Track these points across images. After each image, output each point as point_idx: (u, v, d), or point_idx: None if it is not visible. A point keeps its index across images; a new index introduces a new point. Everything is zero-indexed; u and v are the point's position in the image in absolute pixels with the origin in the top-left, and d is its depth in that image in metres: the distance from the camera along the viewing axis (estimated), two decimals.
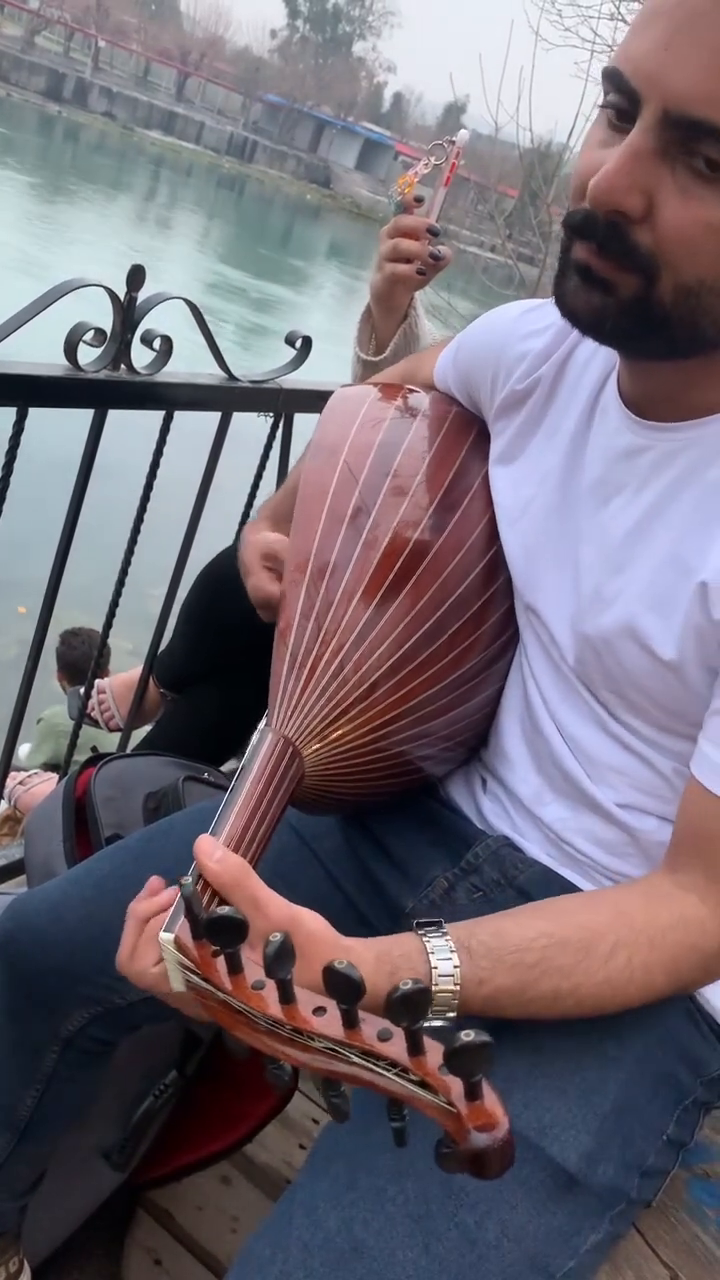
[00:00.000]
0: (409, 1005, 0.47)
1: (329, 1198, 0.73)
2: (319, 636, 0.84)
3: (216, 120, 56.31)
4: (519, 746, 0.91)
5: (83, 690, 1.94)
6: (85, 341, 1.26)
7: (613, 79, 0.67)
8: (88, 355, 1.30)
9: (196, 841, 0.67)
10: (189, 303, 1.41)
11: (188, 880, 0.60)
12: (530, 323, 0.94)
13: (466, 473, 0.95)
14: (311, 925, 0.66)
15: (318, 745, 0.81)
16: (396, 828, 0.95)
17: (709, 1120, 0.90)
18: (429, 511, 0.91)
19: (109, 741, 2.36)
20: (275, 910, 0.65)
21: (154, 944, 0.69)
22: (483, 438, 0.99)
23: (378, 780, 0.87)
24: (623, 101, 0.67)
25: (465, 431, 0.99)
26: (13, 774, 2.44)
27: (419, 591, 0.87)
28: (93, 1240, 1.24)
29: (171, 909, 0.65)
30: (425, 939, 0.70)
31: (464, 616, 0.89)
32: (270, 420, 1.71)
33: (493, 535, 0.93)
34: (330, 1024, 0.53)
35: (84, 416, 1.40)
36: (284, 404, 1.65)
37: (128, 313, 1.30)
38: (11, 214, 17.70)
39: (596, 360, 0.88)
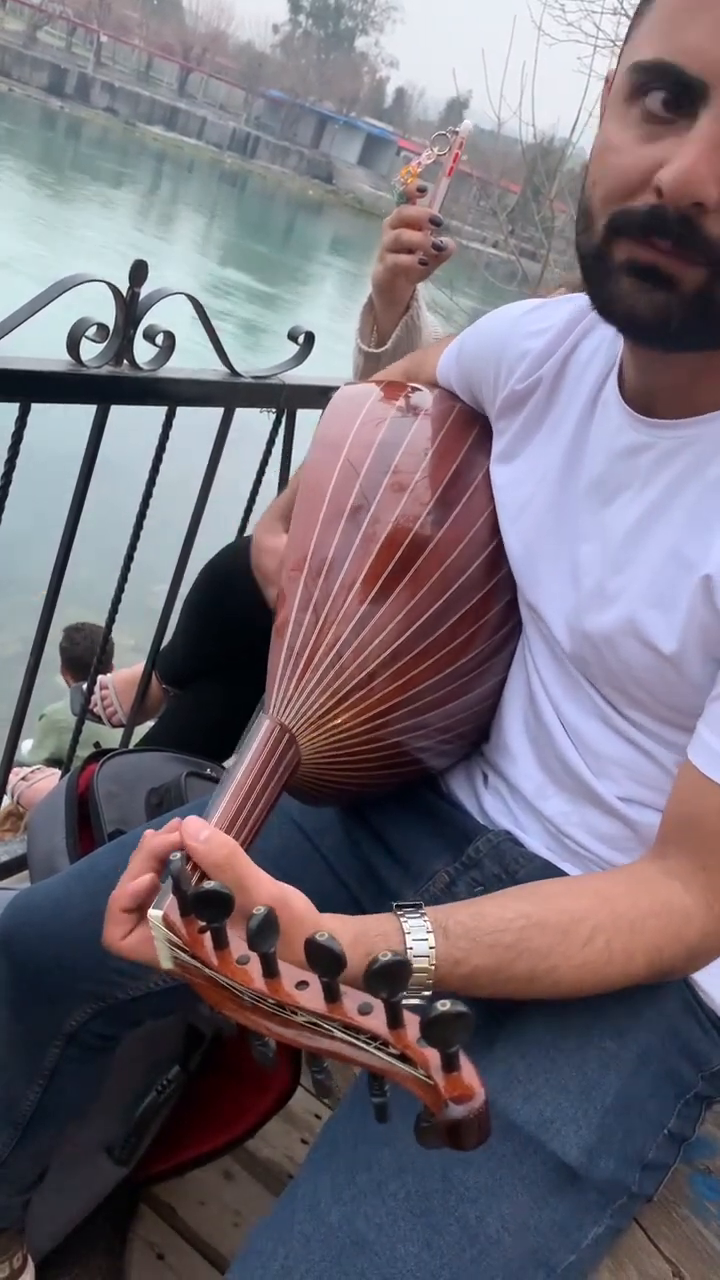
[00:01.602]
0: (387, 976, 0.48)
1: (331, 1192, 0.73)
2: (317, 627, 0.84)
3: (218, 116, 56.24)
4: (521, 740, 0.91)
5: (85, 686, 1.94)
6: (88, 337, 1.26)
7: (663, 71, 0.66)
8: (90, 351, 1.30)
9: (185, 821, 0.67)
10: (192, 298, 1.41)
11: (177, 857, 0.60)
12: (532, 322, 0.94)
13: (469, 468, 0.95)
14: (296, 905, 0.66)
15: (314, 733, 0.82)
16: (398, 822, 0.95)
17: (710, 1115, 0.90)
18: (429, 506, 0.91)
19: (111, 737, 2.37)
20: (262, 889, 0.65)
21: (121, 918, 0.69)
22: (485, 435, 0.99)
23: (376, 770, 0.88)
24: (676, 93, 0.66)
25: (467, 429, 0.99)
26: (15, 770, 2.45)
27: (418, 583, 0.87)
28: (96, 1235, 1.24)
29: (161, 886, 0.65)
30: (402, 919, 0.70)
31: (464, 608, 0.89)
32: (273, 416, 1.71)
33: (495, 529, 0.93)
34: (312, 998, 0.53)
35: (87, 412, 1.40)
36: (287, 400, 1.65)
37: (130, 308, 1.30)
38: (13, 211, 17.69)
39: (597, 359, 0.88)
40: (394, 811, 0.95)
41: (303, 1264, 0.70)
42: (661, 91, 0.66)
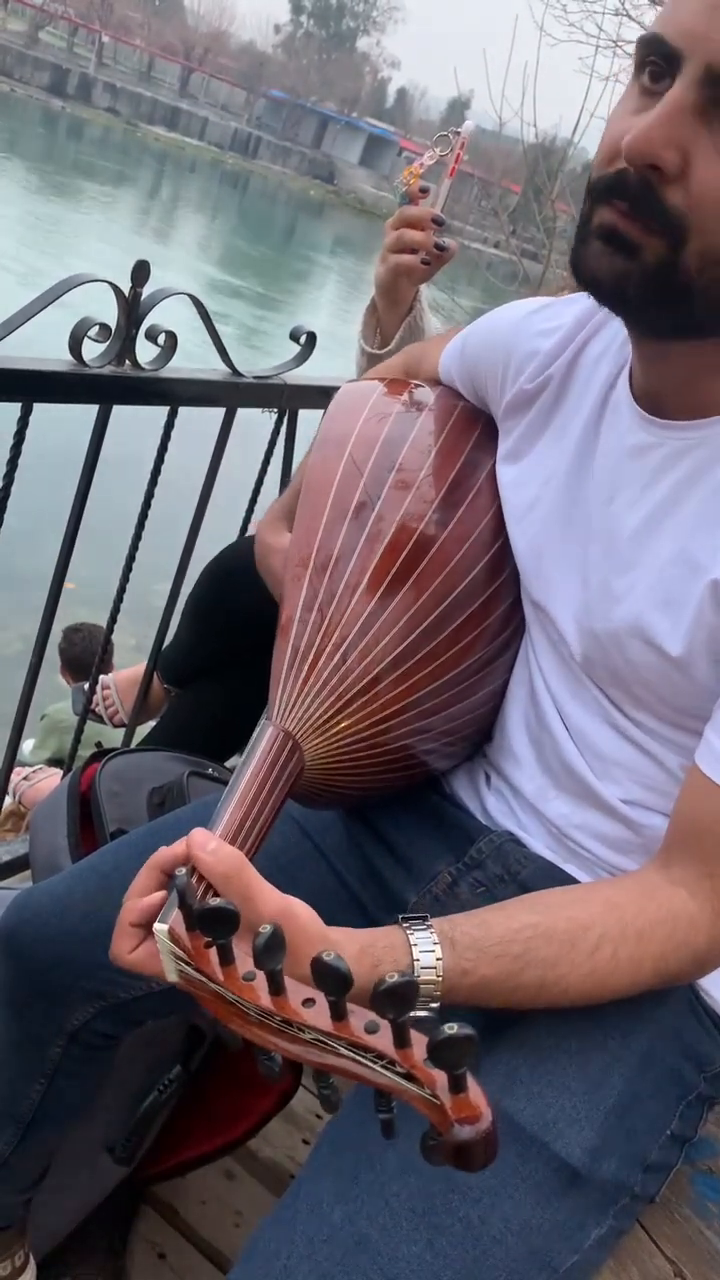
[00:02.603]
0: (395, 998, 0.48)
1: (333, 1192, 0.73)
2: (320, 630, 0.84)
3: (220, 116, 56.25)
4: (524, 742, 0.91)
5: (87, 686, 1.94)
6: (90, 337, 1.26)
7: (651, 43, 0.68)
8: (92, 351, 1.30)
9: (190, 834, 0.67)
10: (193, 298, 1.41)
11: (182, 871, 0.60)
12: (539, 322, 0.94)
13: (472, 467, 0.95)
14: (302, 918, 0.66)
15: (318, 739, 0.81)
16: (400, 823, 0.95)
17: (713, 1115, 0.90)
18: (433, 506, 0.90)
19: (113, 737, 2.37)
20: (268, 902, 0.65)
21: (129, 932, 0.69)
22: (488, 432, 0.99)
23: (379, 774, 0.87)
24: (661, 64, 0.67)
25: (471, 426, 0.99)
26: (17, 770, 2.45)
27: (422, 586, 0.87)
28: (97, 1234, 1.24)
29: (166, 900, 0.65)
30: (409, 932, 0.70)
31: (468, 611, 0.89)
32: (274, 416, 1.71)
33: (498, 530, 0.93)
34: (319, 1016, 0.53)
35: (89, 412, 1.40)
36: (288, 400, 1.65)
37: (132, 308, 1.30)
38: (14, 211, 17.69)
39: (607, 359, 0.87)
40: (396, 812, 0.95)
41: (305, 1264, 0.70)
42: (651, 63, 0.68)
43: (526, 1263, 0.71)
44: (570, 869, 0.87)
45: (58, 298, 1.21)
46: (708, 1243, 0.91)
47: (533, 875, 0.87)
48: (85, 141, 36.42)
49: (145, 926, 0.68)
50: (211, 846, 0.66)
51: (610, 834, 0.86)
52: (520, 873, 0.87)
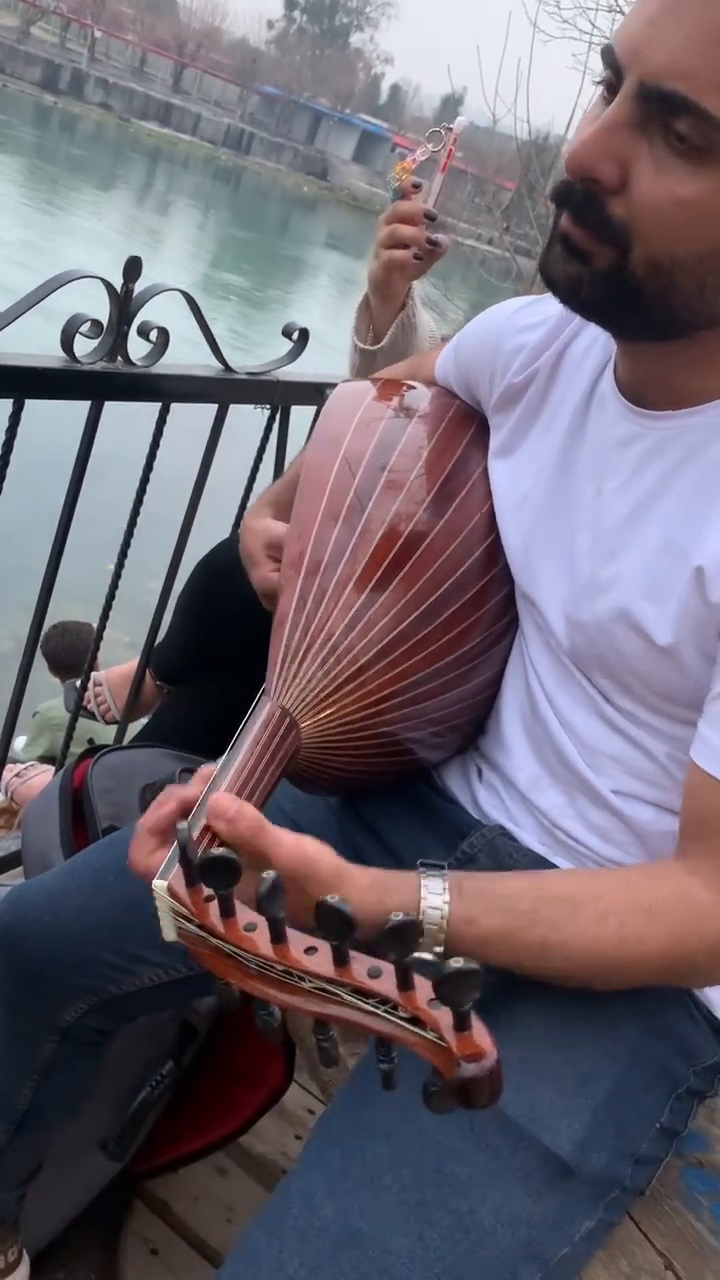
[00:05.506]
0: (398, 937, 0.48)
1: (325, 1186, 0.73)
2: (315, 620, 0.85)
3: (213, 112, 56.12)
4: (518, 734, 0.92)
5: (79, 683, 1.94)
6: (82, 333, 1.26)
7: (605, 55, 0.70)
8: (84, 347, 1.30)
9: (212, 800, 0.66)
10: (185, 294, 1.41)
11: (183, 825, 0.60)
12: (525, 317, 0.95)
13: (466, 464, 0.96)
14: (314, 853, 0.67)
15: (315, 718, 0.82)
16: (392, 816, 0.95)
17: (703, 1109, 0.91)
18: (425, 502, 0.91)
19: (105, 734, 2.36)
20: (285, 845, 0.66)
21: (148, 838, 0.69)
22: (482, 431, 0.99)
23: (373, 758, 0.88)
24: (611, 77, 0.69)
25: (465, 425, 1.00)
26: (9, 766, 2.45)
27: (414, 576, 0.87)
28: (90, 1230, 1.25)
29: (166, 856, 0.65)
30: (422, 875, 0.71)
31: (462, 599, 0.89)
32: (267, 413, 1.71)
33: (493, 523, 0.93)
34: (321, 962, 0.53)
35: (81, 408, 1.40)
36: (280, 396, 1.65)
37: (124, 304, 1.30)
38: (7, 207, 17.63)
39: (593, 352, 0.88)
40: (389, 806, 0.96)
41: (296, 1257, 0.70)
42: (606, 75, 0.70)
43: (517, 1255, 0.72)
44: (560, 861, 0.88)
45: (50, 293, 1.21)
46: (697, 1235, 0.92)
47: (524, 869, 0.87)
48: (78, 137, 36.30)
49: (162, 835, 0.68)
50: (232, 812, 0.65)
51: (601, 825, 0.86)
52: (512, 868, 0.87)
